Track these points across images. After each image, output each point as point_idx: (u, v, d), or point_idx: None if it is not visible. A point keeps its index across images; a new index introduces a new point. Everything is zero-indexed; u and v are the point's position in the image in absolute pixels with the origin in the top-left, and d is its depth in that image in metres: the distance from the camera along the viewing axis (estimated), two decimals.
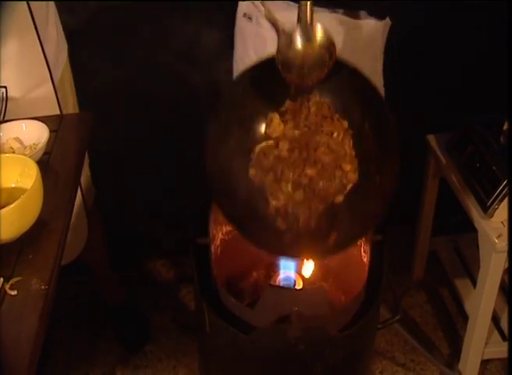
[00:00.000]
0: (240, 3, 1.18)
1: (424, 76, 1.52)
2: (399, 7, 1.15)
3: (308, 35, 0.79)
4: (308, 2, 0.79)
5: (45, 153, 0.92)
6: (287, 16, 1.03)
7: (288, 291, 0.90)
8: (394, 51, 1.24)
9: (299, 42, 0.79)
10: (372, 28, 1.12)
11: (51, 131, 0.94)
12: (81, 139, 0.97)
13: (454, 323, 1.52)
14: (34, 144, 0.92)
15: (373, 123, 0.86)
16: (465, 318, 1.42)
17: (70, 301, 1.52)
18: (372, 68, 1.18)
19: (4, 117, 1.02)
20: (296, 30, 0.80)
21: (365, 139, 0.86)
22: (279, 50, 0.80)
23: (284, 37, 0.80)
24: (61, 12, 1.15)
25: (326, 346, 0.85)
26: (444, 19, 1.46)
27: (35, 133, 0.93)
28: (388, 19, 1.13)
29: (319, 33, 0.80)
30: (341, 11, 1.08)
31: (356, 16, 1.09)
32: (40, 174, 0.80)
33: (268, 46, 1.12)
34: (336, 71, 0.83)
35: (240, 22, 1.18)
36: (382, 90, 1.19)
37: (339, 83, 0.85)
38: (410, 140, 1.48)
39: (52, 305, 0.70)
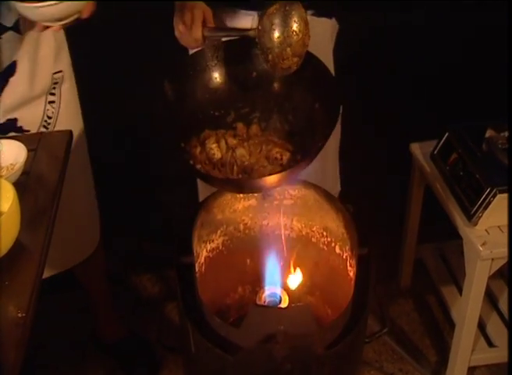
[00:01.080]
0: None
1: (408, 85, 1.54)
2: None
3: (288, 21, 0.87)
4: None
5: (24, 173, 0.89)
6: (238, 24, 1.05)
7: (273, 310, 0.88)
8: (377, 60, 1.25)
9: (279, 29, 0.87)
10: (324, 26, 1.15)
11: (29, 150, 0.92)
12: (61, 158, 0.95)
13: (441, 330, 1.52)
14: (12, 164, 0.90)
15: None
16: (452, 325, 1.43)
17: (54, 321, 1.49)
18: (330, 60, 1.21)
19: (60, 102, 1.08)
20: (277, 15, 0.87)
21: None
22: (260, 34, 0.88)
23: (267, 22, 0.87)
24: None
25: (313, 364, 0.84)
26: (426, 26, 1.47)
27: (12, 153, 0.90)
28: (334, 19, 1.17)
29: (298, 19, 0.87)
30: None
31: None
32: (17, 196, 0.78)
33: None
34: None
35: None
36: None
37: None
38: (394, 148, 1.50)
39: (30, 333, 0.68)
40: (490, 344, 1.40)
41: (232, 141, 0.93)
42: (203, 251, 0.99)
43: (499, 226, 1.25)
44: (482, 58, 1.43)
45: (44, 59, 1.07)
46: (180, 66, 0.97)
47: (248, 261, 1.06)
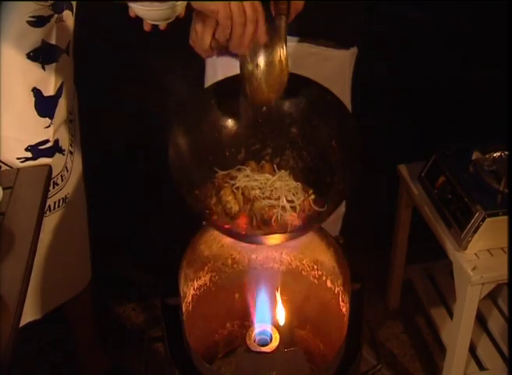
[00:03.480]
0: None
1: (396, 106, 1.53)
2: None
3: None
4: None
5: None
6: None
7: (265, 355, 0.85)
8: (364, 81, 1.24)
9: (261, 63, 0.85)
10: (341, 58, 1.13)
11: (5, 188, 0.88)
12: (39, 194, 0.90)
13: (431, 352, 1.51)
14: None
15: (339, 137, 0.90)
16: (442, 347, 1.41)
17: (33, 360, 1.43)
18: (342, 96, 1.18)
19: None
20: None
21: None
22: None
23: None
24: None
25: None
26: (415, 46, 1.47)
27: None
28: (355, 47, 1.14)
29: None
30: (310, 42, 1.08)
31: (325, 46, 1.10)
32: None
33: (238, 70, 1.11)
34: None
35: None
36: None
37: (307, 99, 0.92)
38: (382, 169, 1.49)
39: None
40: (481, 367, 1.39)
41: (250, 193, 0.88)
42: (190, 290, 0.96)
43: (488, 250, 1.24)
44: (470, 80, 1.44)
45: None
46: (187, 106, 0.92)
47: (237, 296, 1.03)
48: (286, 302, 1.02)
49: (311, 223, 0.87)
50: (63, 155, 1.06)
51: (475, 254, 1.23)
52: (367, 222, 1.68)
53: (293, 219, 0.87)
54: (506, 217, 1.20)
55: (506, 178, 1.24)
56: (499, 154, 1.32)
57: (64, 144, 1.07)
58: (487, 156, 1.32)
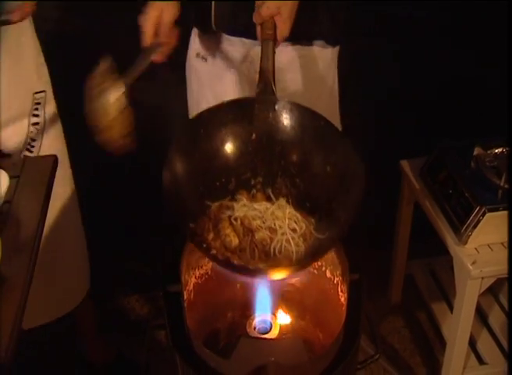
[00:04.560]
0: (192, 42, 1.17)
1: (398, 102, 1.54)
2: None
3: None
4: None
5: (5, 202, 0.87)
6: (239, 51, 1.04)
7: (264, 341, 0.87)
8: (369, 76, 1.25)
9: None
10: (329, 56, 1.14)
11: (11, 177, 0.90)
12: (45, 184, 0.92)
13: (432, 347, 1.52)
14: None
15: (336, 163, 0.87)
16: (442, 342, 1.42)
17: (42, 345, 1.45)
18: (331, 92, 1.20)
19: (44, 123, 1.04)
20: None
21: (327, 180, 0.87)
22: None
23: None
24: None
25: None
26: (416, 42, 1.48)
27: None
28: (338, 46, 1.14)
29: None
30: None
31: (312, 45, 1.10)
32: None
33: (225, 86, 1.13)
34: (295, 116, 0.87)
35: (194, 62, 1.17)
36: (338, 114, 1.22)
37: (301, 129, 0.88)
38: (384, 165, 1.50)
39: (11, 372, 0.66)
40: (481, 361, 1.40)
41: (251, 223, 0.84)
42: (191, 278, 0.97)
43: (488, 245, 1.25)
44: (472, 76, 1.45)
45: (25, 77, 1.05)
46: (178, 136, 0.88)
47: (238, 286, 1.04)
48: (286, 292, 1.04)
49: (314, 252, 0.83)
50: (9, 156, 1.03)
51: (475, 248, 1.24)
52: (368, 217, 1.69)
53: (297, 249, 0.84)
54: (506, 212, 1.21)
55: (507, 173, 1.25)
56: (500, 150, 1.32)
57: (11, 147, 1.04)
58: (488, 152, 1.33)
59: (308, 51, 1.08)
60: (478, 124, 1.40)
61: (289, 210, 0.87)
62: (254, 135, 0.90)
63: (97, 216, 1.43)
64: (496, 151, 1.32)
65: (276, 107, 0.88)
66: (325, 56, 1.11)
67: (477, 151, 1.33)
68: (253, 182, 0.91)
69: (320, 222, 0.87)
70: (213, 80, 1.14)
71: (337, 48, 1.14)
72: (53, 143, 1.12)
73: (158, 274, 1.01)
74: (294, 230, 0.85)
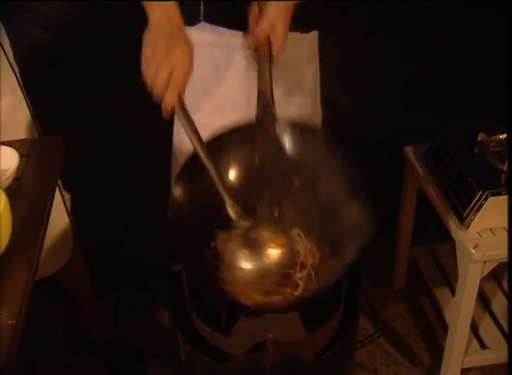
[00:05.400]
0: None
1: (402, 88, 1.54)
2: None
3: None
4: None
5: (16, 179, 0.90)
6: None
7: (263, 318, 0.89)
8: (370, 67, 1.26)
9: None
10: (312, 39, 1.13)
11: (21, 156, 0.93)
12: (53, 163, 0.95)
13: (435, 332, 1.53)
14: (3, 170, 0.91)
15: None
16: (445, 327, 1.43)
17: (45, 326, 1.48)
18: (315, 75, 1.20)
19: None
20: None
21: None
22: None
23: None
24: None
25: (303, 372, 0.85)
26: (419, 31, 1.48)
27: (4, 159, 0.91)
28: (316, 30, 1.12)
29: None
30: None
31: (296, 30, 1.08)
32: (8, 202, 0.79)
33: (220, 72, 1.09)
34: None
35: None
36: (318, 96, 1.21)
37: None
38: (387, 151, 1.51)
39: (22, 340, 0.69)
40: (483, 345, 1.41)
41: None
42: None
43: (490, 229, 1.25)
44: (476, 63, 1.44)
45: None
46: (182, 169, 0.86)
47: None
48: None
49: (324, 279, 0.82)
50: None
51: (478, 233, 1.25)
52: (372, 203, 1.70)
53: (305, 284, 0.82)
54: (508, 197, 1.22)
55: (509, 159, 1.25)
56: (504, 136, 1.33)
57: None
58: (493, 138, 1.33)
59: (291, 36, 1.03)
60: (482, 110, 1.40)
61: (305, 242, 0.85)
62: (257, 159, 0.88)
63: (103, 206, 1.46)
64: (500, 136, 1.33)
65: (277, 129, 0.87)
66: (307, 40, 1.10)
67: (481, 136, 1.33)
68: (259, 206, 0.88)
69: (329, 246, 0.86)
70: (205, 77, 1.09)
71: (316, 32, 1.11)
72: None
73: (164, 265, 1.02)
74: (304, 265, 0.83)
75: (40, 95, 1.16)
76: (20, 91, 1.10)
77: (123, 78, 1.28)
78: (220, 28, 1.02)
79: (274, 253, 0.82)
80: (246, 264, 0.82)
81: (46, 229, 0.86)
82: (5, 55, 1.06)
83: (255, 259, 0.82)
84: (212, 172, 0.82)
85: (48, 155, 0.97)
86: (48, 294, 1.31)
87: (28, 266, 0.78)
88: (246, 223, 0.84)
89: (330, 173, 0.86)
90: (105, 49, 1.39)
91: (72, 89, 1.42)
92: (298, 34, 1.08)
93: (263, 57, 0.87)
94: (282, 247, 0.83)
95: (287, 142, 0.88)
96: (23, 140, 1.00)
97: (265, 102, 0.86)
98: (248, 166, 0.89)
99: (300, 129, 0.88)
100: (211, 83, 1.10)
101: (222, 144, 0.87)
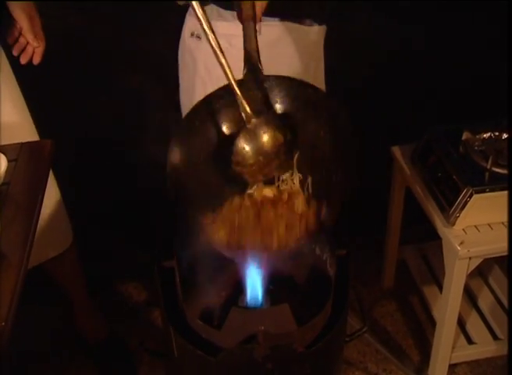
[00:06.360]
0: (187, 21, 1.18)
1: (389, 89, 1.57)
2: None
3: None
4: None
5: (4, 183, 0.91)
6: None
7: (254, 311, 0.90)
8: (358, 63, 1.27)
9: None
10: (316, 33, 1.16)
11: (10, 160, 0.93)
12: (42, 167, 0.96)
13: (423, 329, 1.55)
14: None
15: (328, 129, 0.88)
16: (434, 324, 1.45)
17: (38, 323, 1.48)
18: (318, 69, 1.23)
19: None
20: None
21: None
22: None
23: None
24: None
25: (294, 363, 0.86)
26: (406, 29, 1.50)
27: None
28: (324, 25, 1.16)
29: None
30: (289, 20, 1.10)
31: (301, 23, 1.12)
32: None
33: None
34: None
35: (188, 42, 1.18)
36: (323, 88, 1.23)
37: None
38: (374, 151, 1.53)
39: (9, 344, 0.69)
40: (470, 341, 1.43)
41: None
42: (185, 255, 1.00)
43: (475, 226, 1.28)
44: (464, 62, 1.47)
45: None
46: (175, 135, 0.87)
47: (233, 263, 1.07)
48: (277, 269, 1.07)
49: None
50: None
51: (463, 230, 1.27)
52: (361, 203, 1.72)
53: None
54: (492, 194, 1.24)
55: (494, 157, 1.28)
56: (488, 134, 1.36)
57: None
58: (477, 137, 1.36)
59: (296, 27, 1.10)
60: (466, 110, 1.43)
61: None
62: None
63: (96, 203, 1.46)
64: (484, 135, 1.36)
65: (265, 85, 0.89)
66: (312, 34, 1.14)
67: (465, 135, 1.36)
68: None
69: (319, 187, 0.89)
70: (208, 59, 1.11)
71: (324, 27, 1.16)
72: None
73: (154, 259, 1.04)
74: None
75: (39, 97, 1.17)
76: (20, 94, 1.10)
77: (123, 78, 1.30)
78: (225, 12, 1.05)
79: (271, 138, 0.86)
80: (248, 146, 0.85)
81: (35, 233, 0.86)
82: (5, 54, 1.07)
83: (255, 142, 0.86)
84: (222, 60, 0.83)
85: (36, 159, 0.97)
86: (39, 295, 1.31)
87: (16, 270, 0.78)
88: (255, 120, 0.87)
89: (321, 126, 0.88)
90: (105, 49, 1.40)
91: (72, 89, 1.43)
92: (305, 27, 1.11)
93: (247, 16, 0.88)
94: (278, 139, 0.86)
95: (275, 96, 0.90)
96: (12, 144, 1.00)
97: (252, 61, 0.87)
98: (239, 124, 0.89)
99: (286, 81, 0.89)
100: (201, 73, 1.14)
101: (212, 104, 0.89)
